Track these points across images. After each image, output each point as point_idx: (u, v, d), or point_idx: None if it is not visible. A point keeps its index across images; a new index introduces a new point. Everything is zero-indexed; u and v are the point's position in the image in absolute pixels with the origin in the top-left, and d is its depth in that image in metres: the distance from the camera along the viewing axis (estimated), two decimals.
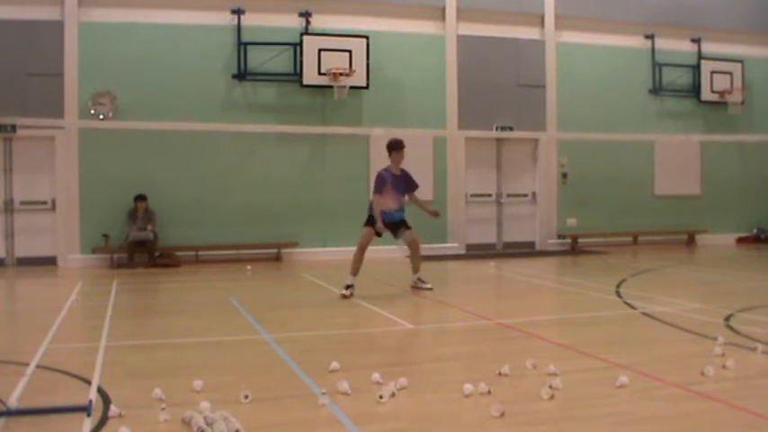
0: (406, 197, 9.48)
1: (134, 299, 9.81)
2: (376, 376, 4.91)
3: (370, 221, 9.14)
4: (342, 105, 14.05)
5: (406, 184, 9.36)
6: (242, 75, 13.69)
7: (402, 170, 9.36)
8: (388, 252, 14.03)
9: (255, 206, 13.72)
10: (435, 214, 9.67)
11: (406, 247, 9.59)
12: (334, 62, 13.66)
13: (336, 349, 6.12)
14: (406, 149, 9.35)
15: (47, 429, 4.07)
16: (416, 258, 9.46)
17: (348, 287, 8.98)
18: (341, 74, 13.62)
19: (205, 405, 4.23)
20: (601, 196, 15.88)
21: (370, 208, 9.27)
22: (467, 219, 15.24)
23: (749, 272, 11.98)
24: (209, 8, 13.67)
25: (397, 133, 14.23)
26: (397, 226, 9.31)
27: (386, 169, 9.33)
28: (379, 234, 9.25)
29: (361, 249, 9.14)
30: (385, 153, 9.40)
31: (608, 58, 16.04)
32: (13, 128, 12.75)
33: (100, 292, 9.70)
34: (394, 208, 9.19)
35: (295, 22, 14.11)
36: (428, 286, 9.45)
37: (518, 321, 7.33)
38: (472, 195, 15.40)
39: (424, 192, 14.61)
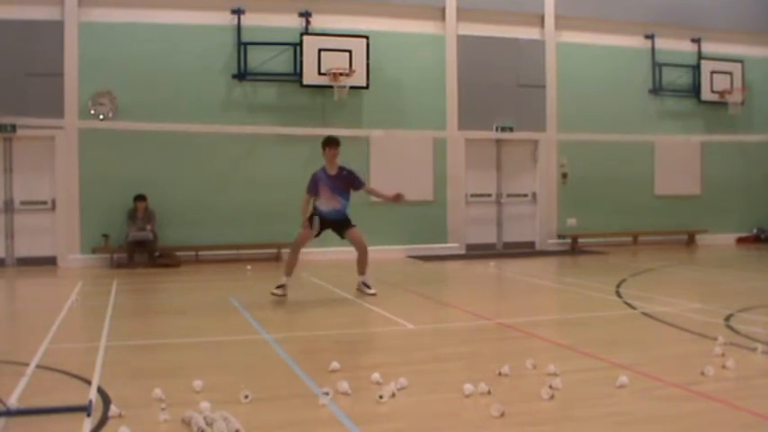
0: (363, 193, 9.27)
1: (134, 299, 9.81)
2: (376, 376, 4.91)
3: (309, 222, 8.86)
4: (342, 105, 14.03)
5: (347, 183, 8.97)
6: (242, 75, 13.69)
7: (342, 169, 8.96)
8: (388, 252, 14.04)
9: (255, 206, 13.71)
10: (397, 198, 9.09)
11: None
12: (334, 62, 13.65)
13: (336, 349, 6.12)
14: (341, 147, 8.97)
15: (47, 429, 4.08)
16: (362, 260, 9.01)
17: (280, 287, 8.79)
18: (341, 74, 13.61)
19: (205, 405, 4.23)
20: (601, 196, 15.86)
21: (315, 208, 8.93)
22: (467, 219, 15.24)
23: (749, 272, 11.97)
24: (209, 8, 13.66)
25: (398, 133, 14.30)
26: (340, 225, 9.00)
27: (321, 169, 9.00)
28: (317, 235, 8.96)
29: (296, 250, 8.91)
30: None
31: (608, 58, 16.03)
32: (13, 128, 12.75)
33: (100, 292, 9.69)
34: (332, 208, 8.89)
35: (295, 22, 14.11)
36: (372, 292, 8.94)
37: (518, 321, 7.33)
38: (472, 195, 15.39)
39: (425, 192, 14.75)
